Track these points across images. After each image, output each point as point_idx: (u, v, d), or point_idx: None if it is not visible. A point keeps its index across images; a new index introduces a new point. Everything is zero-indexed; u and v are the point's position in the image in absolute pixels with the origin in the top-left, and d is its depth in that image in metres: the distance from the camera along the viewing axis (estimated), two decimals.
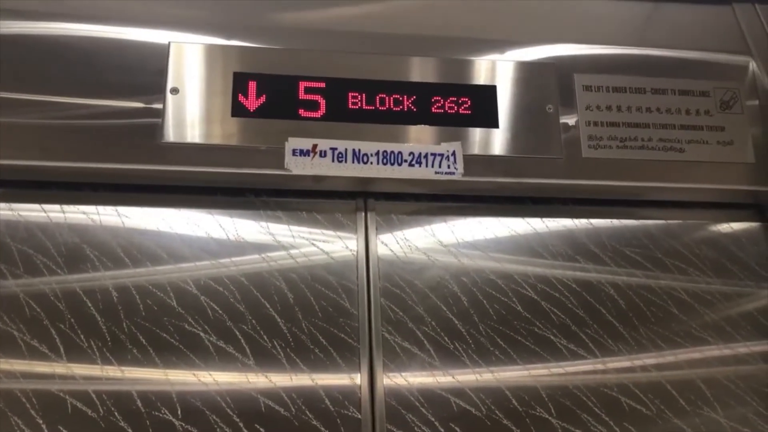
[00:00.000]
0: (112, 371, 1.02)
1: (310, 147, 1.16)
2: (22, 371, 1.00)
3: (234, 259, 1.13)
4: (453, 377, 1.07)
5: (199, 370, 1.03)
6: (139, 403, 1.00)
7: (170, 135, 1.14)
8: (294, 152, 1.15)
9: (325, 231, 1.18)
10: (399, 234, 1.19)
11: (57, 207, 1.13)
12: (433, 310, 1.13)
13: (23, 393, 0.99)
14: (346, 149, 1.16)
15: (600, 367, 1.11)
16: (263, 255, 1.14)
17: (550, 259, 1.20)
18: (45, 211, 1.12)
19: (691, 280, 1.22)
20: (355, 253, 1.16)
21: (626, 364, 1.13)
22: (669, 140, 1.28)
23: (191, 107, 1.16)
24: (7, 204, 1.12)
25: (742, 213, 1.30)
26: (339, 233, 1.18)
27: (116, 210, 1.14)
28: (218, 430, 0.99)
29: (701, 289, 1.22)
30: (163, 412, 1.00)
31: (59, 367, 1.01)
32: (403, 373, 1.07)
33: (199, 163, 1.14)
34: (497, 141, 1.22)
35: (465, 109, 1.22)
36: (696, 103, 1.31)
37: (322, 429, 1.01)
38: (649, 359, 1.13)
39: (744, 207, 1.30)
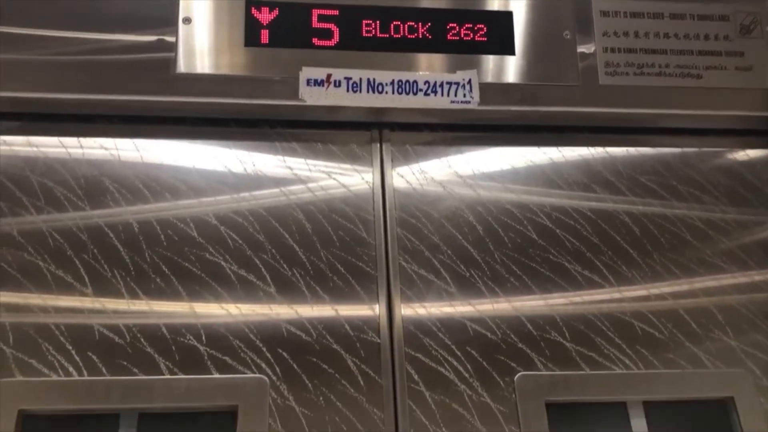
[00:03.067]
0: (137, 299, 1.04)
1: (324, 77, 1.15)
2: (49, 299, 1.03)
3: (252, 192, 1.13)
4: (469, 303, 1.09)
5: (222, 298, 1.05)
6: (164, 329, 1.03)
7: (183, 66, 1.14)
8: (308, 82, 1.15)
9: (341, 163, 1.18)
10: (414, 165, 1.19)
11: (74, 140, 1.14)
12: (449, 239, 1.14)
13: (53, 321, 1.02)
14: (360, 78, 1.15)
15: (614, 293, 1.13)
16: (281, 188, 1.14)
17: (565, 188, 1.21)
18: (63, 146, 1.13)
19: (706, 208, 1.22)
20: (370, 184, 1.17)
21: (640, 290, 1.14)
22: (686, 66, 1.26)
23: (203, 37, 1.15)
24: (26, 138, 1.13)
25: (758, 140, 1.29)
26: (355, 165, 1.18)
27: (133, 143, 1.14)
28: (242, 354, 1.02)
29: (716, 216, 1.22)
30: (188, 338, 1.02)
31: (85, 296, 1.03)
32: (420, 300, 1.09)
33: (213, 94, 1.14)
34: (513, 68, 1.21)
35: (481, 36, 1.20)
36: (715, 28, 1.29)
37: (343, 353, 1.04)
38: (663, 285, 1.15)
39: (761, 134, 1.29)
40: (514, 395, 1.03)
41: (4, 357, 0.98)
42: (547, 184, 1.21)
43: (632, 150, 1.26)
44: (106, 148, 1.14)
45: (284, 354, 1.03)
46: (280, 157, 1.17)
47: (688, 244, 1.19)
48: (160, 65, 1.14)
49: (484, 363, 1.05)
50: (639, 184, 1.23)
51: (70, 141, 1.13)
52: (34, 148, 1.12)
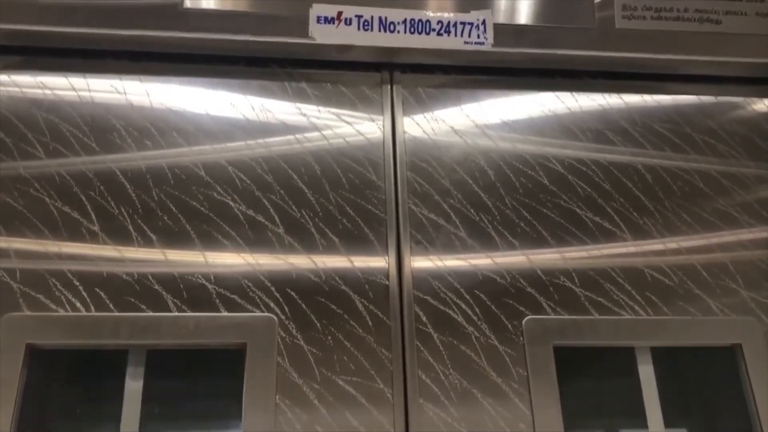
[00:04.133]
0: (144, 237, 1.03)
1: (334, 14, 1.12)
2: (56, 237, 1.02)
3: (264, 138, 1.12)
4: (478, 248, 1.08)
5: (230, 237, 1.04)
6: (172, 268, 1.02)
7: (190, 0, 1.11)
8: (318, 20, 1.12)
9: (351, 105, 1.16)
10: (426, 108, 1.17)
11: (80, 77, 1.11)
12: (459, 184, 1.13)
13: (58, 256, 1.01)
14: (372, 17, 1.12)
15: (626, 240, 1.12)
16: (291, 132, 1.13)
17: (579, 134, 1.19)
18: (70, 83, 1.11)
19: (722, 159, 1.21)
20: (381, 127, 1.15)
21: (652, 238, 1.13)
22: (705, 11, 1.23)
23: None
24: (31, 73, 1.11)
25: None
26: (365, 107, 1.16)
27: (140, 79, 1.12)
28: (251, 293, 1.02)
29: (732, 168, 1.20)
30: (196, 277, 1.02)
31: (92, 234, 1.03)
32: (429, 244, 1.08)
33: (221, 30, 1.11)
34: (528, 9, 1.18)
35: None
36: None
37: (351, 294, 1.03)
38: (675, 234, 1.14)
39: None
40: (521, 339, 1.03)
41: (12, 292, 0.98)
42: (561, 129, 1.19)
43: (648, 98, 1.23)
44: (114, 88, 1.12)
45: (293, 294, 1.02)
46: (290, 100, 1.14)
47: (702, 194, 1.17)
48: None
49: (493, 307, 1.05)
50: (654, 132, 1.21)
51: (75, 77, 1.11)
52: (38, 81, 1.10)
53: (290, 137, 1.12)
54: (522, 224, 1.11)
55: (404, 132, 1.16)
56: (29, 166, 1.06)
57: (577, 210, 1.13)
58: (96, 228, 1.03)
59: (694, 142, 1.21)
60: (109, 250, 1.02)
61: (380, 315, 1.03)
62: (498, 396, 0.99)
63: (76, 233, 1.03)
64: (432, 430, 0.96)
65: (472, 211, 1.11)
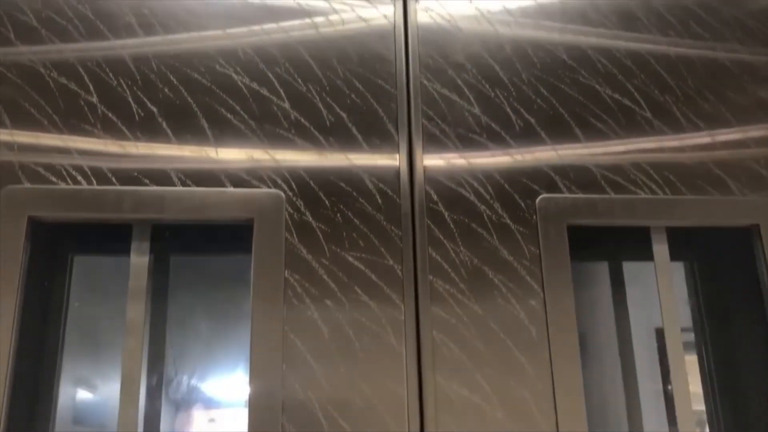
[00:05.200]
0: (144, 109, 0.99)
1: None
2: (51, 104, 0.98)
3: (268, 23, 1.05)
4: (492, 124, 1.04)
5: (234, 111, 1.00)
6: (174, 139, 0.98)
7: None
8: None
9: None
10: None
11: None
12: (474, 58, 1.07)
13: (57, 129, 0.97)
14: None
15: (645, 116, 1.07)
16: (298, 4, 1.06)
17: (601, 11, 1.12)
18: None
19: (749, 41, 1.14)
20: None
21: (672, 116, 1.08)
22: None
23: None
24: None
25: None
26: None
27: None
28: (257, 169, 0.98)
29: (760, 50, 1.14)
30: (200, 151, 0.98)
31: (90, 104, 0.98)
32: (441, 120, 1.04)
33: None
34: None
35: None
36: None
37: (360, 171, 1.00)
38: (696, 113, 1.09)
39: None
40: (535, 217, 1.00)
41: (10, 165, 0.95)
42: (584, 7, 1.12)
43: None
44: None
45: (300, 170, 0.99)
46: None
47: (728, 73, 1.11)
48: None
49: (506, 185, 1.02)
50: (681, 10, 1.14)
51: None
52: None
53: (295, 5, 1.06)
54: (539, 101, 1.06)
55: (416, 2, 1.09)
56: (22, 33, 1.00)
57: (597, 86, 1.08)
58: (95, 99, 0.99)
59: (722, 21, 1.14)
60: (108, 123, 0.98)
61: (390, 193, 1.00)
62: (509, 273, 0.97)
63: (74, 105, 0.98)
64: (442, 304, 0.95)
65: (487, 86, 1.06)
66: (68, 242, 1.03)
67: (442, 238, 0.98)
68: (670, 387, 1.01)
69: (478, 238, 0.99)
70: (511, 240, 0.99)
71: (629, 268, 1.14)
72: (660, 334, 1.10)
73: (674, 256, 1.04)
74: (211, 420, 1.08)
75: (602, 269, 1.15)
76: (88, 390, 1.04)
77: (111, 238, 1.01)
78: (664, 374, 1.08)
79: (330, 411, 0.89)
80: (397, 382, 0.91)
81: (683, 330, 1.02)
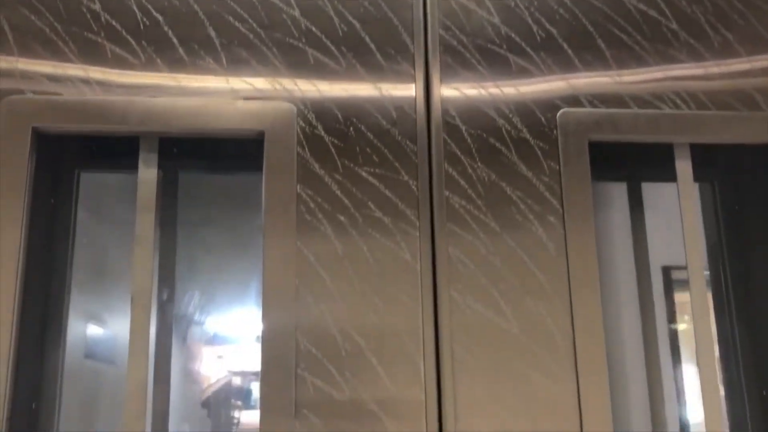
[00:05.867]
0: (149, 18, 0.95)
1: None
2: (55, 17, 0.94)
3: None
4: (513, 35, 1.00)
5: (241, 19, 0.96)
6: (181, 51, 0.94)
7: None
8: None
9: None
10: None
11: None
12: None
13: (60, 37, 0.93)
14: None
15: (671, 29, 1.02)
16: None
17: None
18: None
19: None
20: None
21: (699, 27, 1.03)
22: None
23: None
24: None
25: None
26: None
27: None
28: (266, 80, 0.95)
29: None
30: (207, 60, 0.94)
31: (92, 12, 0.94)
32: (459, 30, 0.99)
33: None
34: None
35: None
36: None
37: (374, 82, 0.96)
38: (725, 25, 1.04)
39: None
40: (555, 132, 0.97)
41: (11, 74, 0.92)
42: None
43: None
44: None
45: (311, 81, 0.95)
46: None
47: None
48: None
49: (526, 99, 0.98)
50: None
51: None
52: None
53: None
54: (561, 11, 1.01)
55: None
56: None
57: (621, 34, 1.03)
58: (97, 7, 0.95)
59: None
60: (112, 31, 0.94)
61: (405, 106, 0.96)
62: (528, 189, 0.94)
63: (76, 13, 0.94)
64: (457, 221, 0.93)
65: None
66: (74, 158, 1.01)
67: (458, 153, 0.95)
68: (674, 325, 1.00)
69: (497, 153, 0.95)
70: (530, 155, 0.96)
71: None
72: (666, 271, 1.09)
73: (695, 177, 1.01)
74: (224, 341, 1.08)
75: (619, 194, 1.12)
76: (99, 325, 1.03)
77: (118, 153, 0.98)
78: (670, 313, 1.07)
79: (344, 326, 0.88)
80: (411, 298, 0.90)
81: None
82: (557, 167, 0.95)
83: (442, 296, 0.90)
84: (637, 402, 1.02)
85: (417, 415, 0.86)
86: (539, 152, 0.96)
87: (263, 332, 0.88)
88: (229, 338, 1.07)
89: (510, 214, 0.94)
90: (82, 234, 1.00)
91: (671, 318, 1.08)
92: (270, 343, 0.87)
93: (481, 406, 0.87)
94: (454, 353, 0.88)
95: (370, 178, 0.94)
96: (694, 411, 1.03)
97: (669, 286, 1.09)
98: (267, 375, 0.86)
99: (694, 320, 0.96)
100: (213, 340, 1.07)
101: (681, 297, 1.09)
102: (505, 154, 0.96)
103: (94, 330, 1.03)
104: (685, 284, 0.98)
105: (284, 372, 0.86)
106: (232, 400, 1.06)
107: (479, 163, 0.95)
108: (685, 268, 0.97)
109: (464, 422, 0.86)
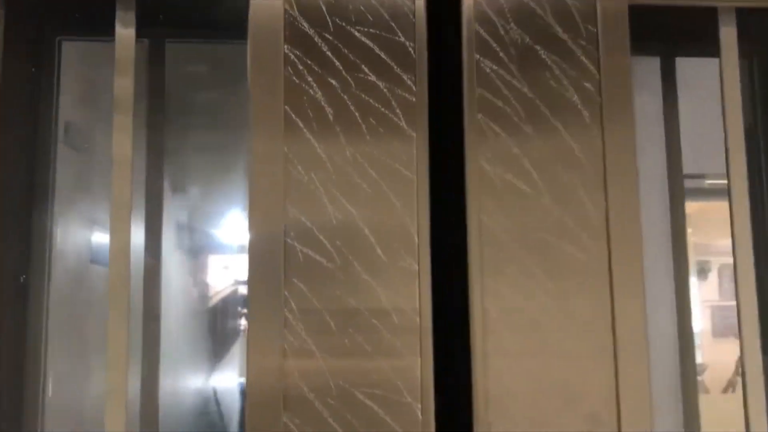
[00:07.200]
0: None
1: None
2: None
3: None
4: None
5: None
6: None
7: None
8: None
9: None
10: None
11: None
12: None
13: None
14: None
15: None
16: None
17: None
18: None
19: None
20: None
21: None
22: None
23: None
24: None
25: None
26: None
27: None
28: None
29: None
30: None
31: None
32: None
33: None
34: None
35: None
36: None
37: None
38: None
39: None
40: None
41: None
42: None
43: None
44: None
45: None
46: None
47: None
48: None
49: None
50: None
51: None
52: None
53: None
54: None
55: None
56: None
57: None
58: None
59: None
60: None
61: None
62: (563, 53, 0.88)
63: None
64: (488, 86, 0.86)
65: None
66: (54, 25, 0.94)
67: (490, 13, 0.88)
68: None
69: (530, 13, 0.88)
70: (566, 17, 0.88)
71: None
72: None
73: None
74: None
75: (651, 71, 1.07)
76: (104, 231, 0.99)
77: (98, 20, 0.91)
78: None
79: (333, 192, 0.82)
80: (406, 167, 0.84)
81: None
82: (595, 30, 0.88)
83: (471, 166, 0.85)
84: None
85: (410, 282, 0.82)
86: (576, 14, 0.89)
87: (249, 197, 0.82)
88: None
89: (545, 81, 0.87)
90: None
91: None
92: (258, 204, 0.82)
93: (507, 276, 0.83)
94: (481, 223, 0.84)
95: (364, 39, 0.86)
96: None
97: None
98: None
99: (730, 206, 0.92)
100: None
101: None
102: (540, 14, 0.89)
103: (99, 237, 1.01)
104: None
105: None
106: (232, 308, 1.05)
107: (512, 25, 0.88)
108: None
109: (490, 290, 0.83)
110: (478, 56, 0.87)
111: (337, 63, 0.85)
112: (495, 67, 0.87)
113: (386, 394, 0.79)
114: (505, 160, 0.86)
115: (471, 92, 0.87)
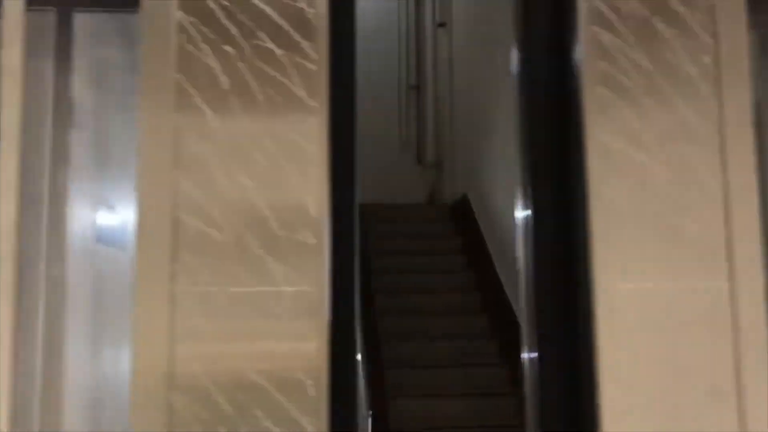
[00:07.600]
0: None
1: None
2: None
3: None
4: None
5: None
6: None
7: None
8: None
9: None
10: None
11: None
12: None
13: None
14: None
15: None
16: None
17: None
18: None
19: None
20: None
21: None
22: None
23: None
24: None
25: None
26: None
27: None
28: None
29: None
30: None
31: None
32: None
33: None
34: None
35: None
36: None
37: None
38: None
39: None
40: None
41: None
42: None
43: None
44: None
45: None
46: None
47: None
48: None
49: None
50: None
51: None
52: None
53: None
54: None
55: None
56: None
57: None
58: None
59: None
60: None
61: None
62: (680, 27, 0.83)
63: None
64: (607, 58, 0.82)
65: None
66: None
67: None
68: None
69: None
70: None
71: None
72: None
73: None
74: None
75: None
76: (109, 212, 0.98)
77: None
78: None
79: (227, 164, 0.78)
80: (305, 139, 0.78)
81: None
82: (713, 3, 0.83)
83: (590, 140, 0.80)
84: None
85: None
86: None
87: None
88: None
89: (661, 51, 0.83)
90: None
91: None
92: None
93: (622, 246, 0.80)
94: (601, 195, 0.80)
95: (261, 4, 0.81)
96: None
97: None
98: None
99: None
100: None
101: None
102: None
103: (104, 218, 0.98)
104: None
105: None
106: None
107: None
108: None
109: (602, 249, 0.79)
110: (596, 27, 0.83)
111: (233, 30, 0.81)
112: (613, 39, 0.83)
113: (277, 372, 0.77)
114: (622, 130, 0.82)
115: (590, 64, 0.82)
